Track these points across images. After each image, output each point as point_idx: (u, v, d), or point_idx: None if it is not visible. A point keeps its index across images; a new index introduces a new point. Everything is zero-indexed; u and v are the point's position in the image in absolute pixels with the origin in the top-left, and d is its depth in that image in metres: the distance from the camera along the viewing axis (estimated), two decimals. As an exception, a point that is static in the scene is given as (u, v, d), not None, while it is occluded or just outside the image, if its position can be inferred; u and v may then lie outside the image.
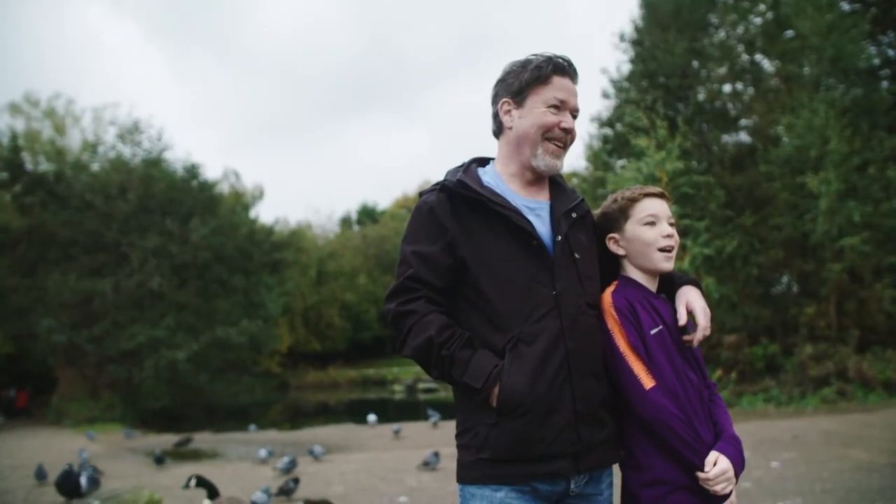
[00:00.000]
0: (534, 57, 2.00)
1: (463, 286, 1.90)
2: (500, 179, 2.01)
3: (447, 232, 1.89)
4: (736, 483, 1.85)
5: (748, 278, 16.79)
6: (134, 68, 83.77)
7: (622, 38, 20.71)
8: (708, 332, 1.97)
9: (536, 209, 1.97)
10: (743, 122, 19.78)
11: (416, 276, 1.88)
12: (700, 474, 1.82)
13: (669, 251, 2.03)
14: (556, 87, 1.96)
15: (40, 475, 10.00)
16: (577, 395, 1.81)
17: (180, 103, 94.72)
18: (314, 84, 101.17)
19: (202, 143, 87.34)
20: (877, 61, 17.45)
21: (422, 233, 1.92)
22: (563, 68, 1.98)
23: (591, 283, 1.97)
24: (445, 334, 1.82)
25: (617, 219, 2.07)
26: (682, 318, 1.98)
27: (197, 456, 14.94)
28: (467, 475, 1.87)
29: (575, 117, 2.00)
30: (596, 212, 2.18)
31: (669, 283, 2.11)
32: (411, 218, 1.98)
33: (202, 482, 6.08)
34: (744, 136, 19.83)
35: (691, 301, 2.01)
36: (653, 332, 1.92)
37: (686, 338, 1.98)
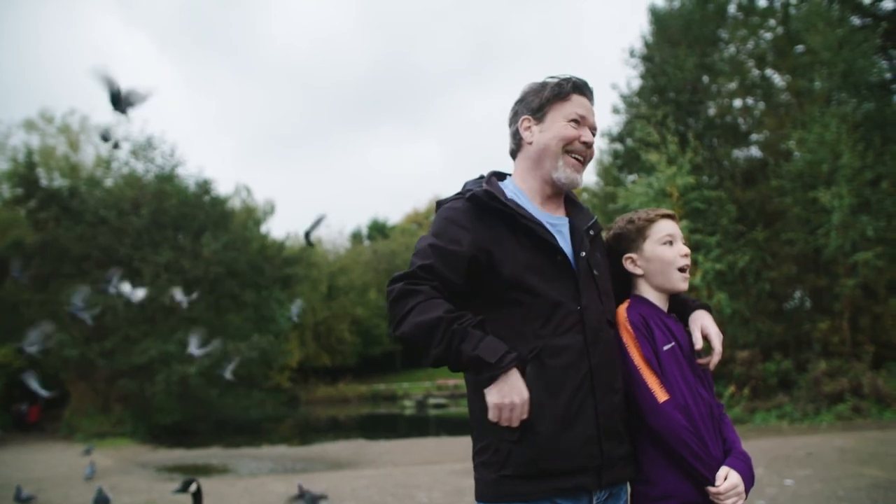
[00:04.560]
0: (551, 78, 2.07)
1: (488, 295, 1.90)
2: (522, 194, 2.04)
3: (476, 238, 1.88)
4: (745, 499, 1.86)
5: (760, 293, 16.67)
6: (147, 78, 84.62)
7: (632, 53, 20.75)
8: (720, 357, 2.01)
9: (557, 225, 2.00)
10: (754, 136, 19.71)
11: (430, 266, 1.84)
12: (710, 489, 1.84)
13: (686, 271, 2.08)
14: (576, 104, 2.02)
15: (19, 497, 9.56)
16: (599, 409, 1.83)
17: (192, 113, 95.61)
18: (325, 96, 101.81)
19: (213, 154, 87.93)
20: (888, 75, 17.40)
21: (446, 232, 1.90)
22: (581, 87, 2.05)
23: (608, 299, 2.01)
24: (455, 313, 1.76)
25: (634, 239, 2.11)
26: (698, 342, 2.02)
27: (208, 470, 14.94)
28: (489, 493, 1.85)
29: (593, 135, 2.05)
30: (605, 233, 2.21)
31: (681, 307, 2.15)
32: (436, 220, 1.98)
33: (198, 497, 5.31)
34: (755, 151, 19.74)
35: (706, 326, 2.06)
36: (665, 348, 1.96)
37: (701, 361, 2.02)
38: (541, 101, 2.03)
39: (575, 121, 2.00)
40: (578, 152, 2.01)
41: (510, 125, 2.12)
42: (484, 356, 1.72)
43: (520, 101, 2.10)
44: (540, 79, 2.09)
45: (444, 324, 1.73)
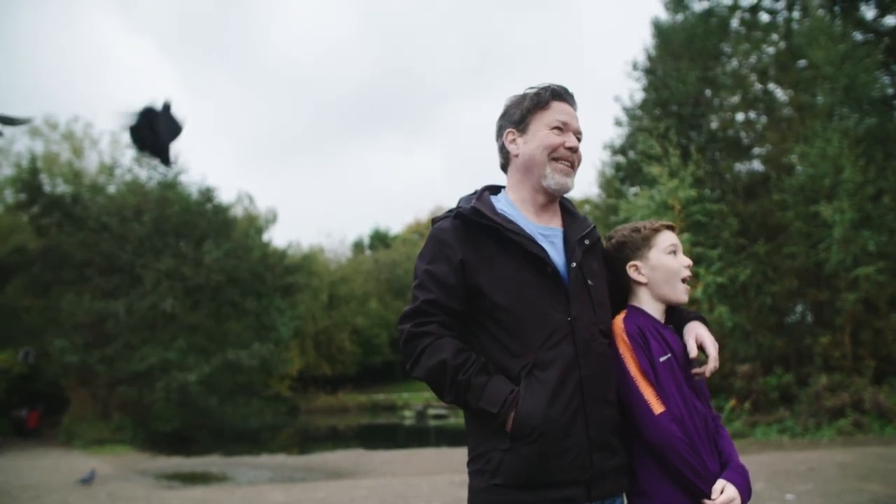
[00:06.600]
0: (530, 89, 2.08)
1: (478, 312, 1.92)
2: (513, 207, 2.05)
3: (462, 259, 1.92)
4: None
5: (762, 307, 16.65)
6: (147, 83, 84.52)
7: (635, 66, 20.84)
8: (717, 366, 2.00)
9: (550, 236, 2.00)
10: (756, 150, 19.74)
11: (433, 300, 1.90)
12: (707, 502, 1.83)
13: (687, 282, 2.10)
14: (557, 111, 2.04)
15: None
16: (590, 421, 1.83)
17: (193, 118, 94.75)
18: (327, 103, 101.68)
19: (216, 159, 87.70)
20: (890, 91, 17.44)
21: (438, 255, 1.95)
22: (560, 94, 2.06)
23: (603, 310, 2.00)
24: (460, 358, 1.84)
25: (640, 247, 2.12)
26: (693, 351, 2.01)
27: (206, 478, 14.89)
28: (479, 502, 1.87)
29: (579, 139, 2.06)
30: (605, 242, 2.21)
31: (677, 318, 2.15)
32: (427, 242, 2.02)
33: None
34: (757, 165, 19.77)
35: (701, 335, 2.05)
36: (662, 359, 1.95)
37: (696, 370, 2.01)
38: (522, 112, 2.05)
39: (557, 128, 2.02)
40: (565, 158, 2.02)
41: (497, 140, 2.14)
42: (487, 408, 1.81)
43: (503, 116, 2.12)
44: (520, 91, 2.11)
45: (450, 372, 1.83)
